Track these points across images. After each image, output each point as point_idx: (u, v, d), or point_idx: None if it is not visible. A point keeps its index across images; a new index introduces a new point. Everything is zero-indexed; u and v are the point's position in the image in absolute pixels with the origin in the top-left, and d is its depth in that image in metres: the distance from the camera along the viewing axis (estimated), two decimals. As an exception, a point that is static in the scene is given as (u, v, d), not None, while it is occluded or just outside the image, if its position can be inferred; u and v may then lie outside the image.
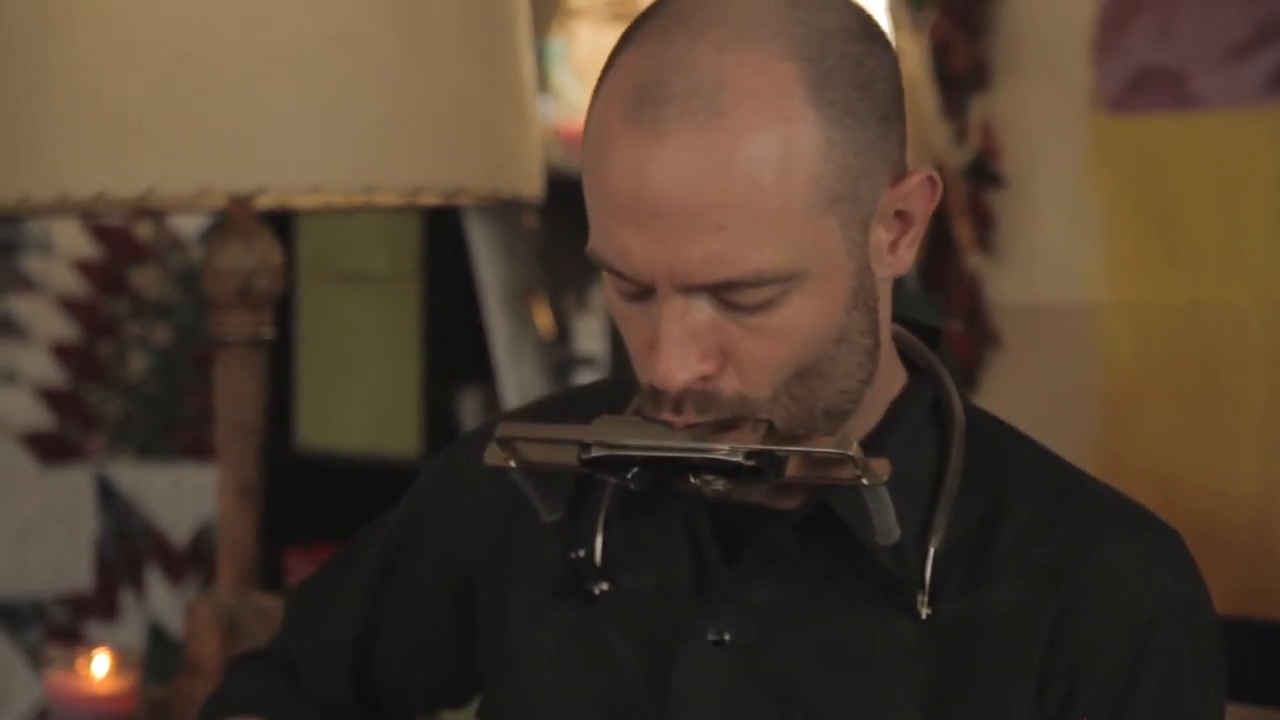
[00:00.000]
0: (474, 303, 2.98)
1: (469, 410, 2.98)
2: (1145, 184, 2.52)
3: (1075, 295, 2.59)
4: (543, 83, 2.80)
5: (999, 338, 2.65)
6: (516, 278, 2.97)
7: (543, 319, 2.96)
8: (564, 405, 1.52)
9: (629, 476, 1.30)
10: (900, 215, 1.32)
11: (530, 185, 2.13)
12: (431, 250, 3.01)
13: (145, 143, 1.95)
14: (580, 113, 3.08)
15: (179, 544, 3.35)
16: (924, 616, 1.32)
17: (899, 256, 1.33)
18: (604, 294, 1.34)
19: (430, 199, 2.15)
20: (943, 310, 2.66)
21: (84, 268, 3.26)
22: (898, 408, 1.37)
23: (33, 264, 3.22)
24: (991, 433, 1.40)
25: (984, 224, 2.66)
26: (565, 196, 2.65)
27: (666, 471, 1.30)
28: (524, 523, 1.44)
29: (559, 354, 2.95)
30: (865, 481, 1.26)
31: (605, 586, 1.40)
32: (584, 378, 2.89)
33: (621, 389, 1.43)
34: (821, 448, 1.28)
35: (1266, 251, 2.41)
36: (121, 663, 2.20)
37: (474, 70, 2.05)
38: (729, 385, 1.28)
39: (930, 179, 1.32)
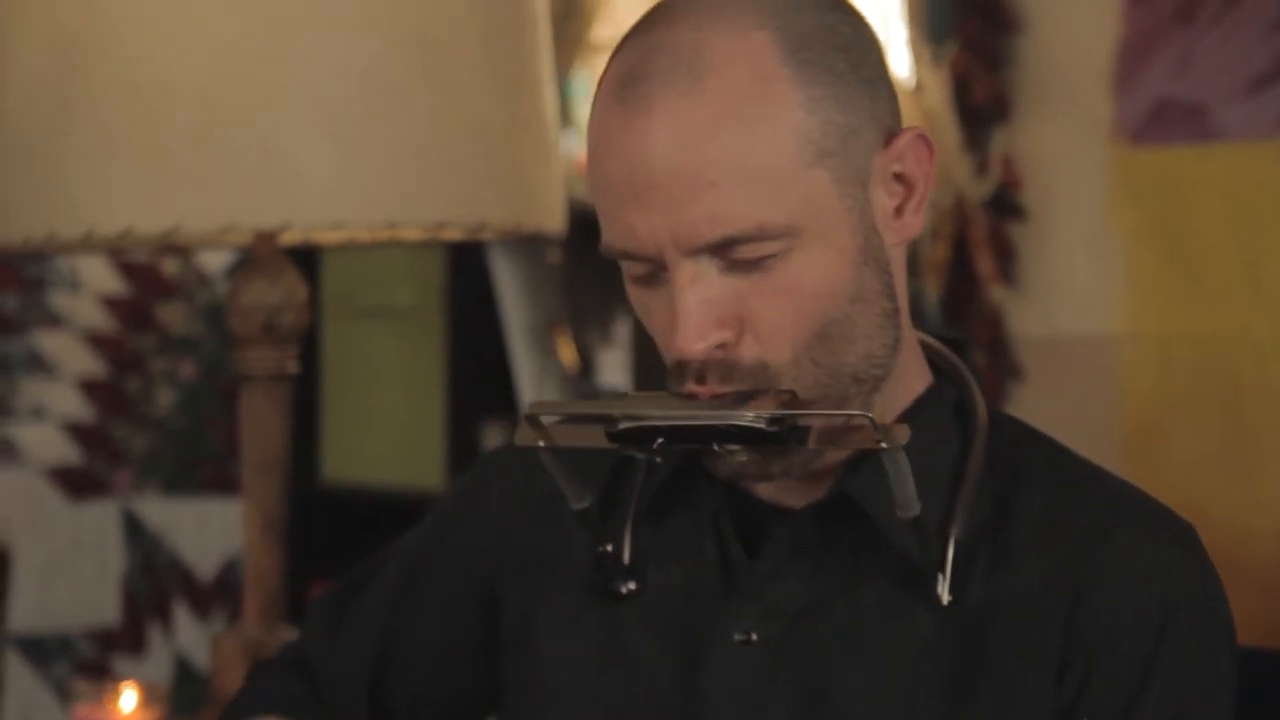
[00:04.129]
0: (498, 337, 2.99)
1: (493, 444, 2.99)
2: (1165, 216, 2.53)
3: (1096, 326, 2.60)
4: (565, 118, 2.81)
5: (1020, 369, 2.65)
6: (540, 312, 2.98)
7: (566, 352, 2.97)
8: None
9: (654, 446, 1.31)
10: (900, 179, 1.34)
11: (553, 220, 2.14)
12: (455, 285, 3.02)
13: (171, 179, 1.96)
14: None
15: (205, 578, 3.36)
16: (945, 603, 1.33)
17: (906, 222, 1.35)
18: (628, 295, 1.37)
19: (454, 234, 2.16)
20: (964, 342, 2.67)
21: (111, 304, 3.28)
22: (921, 404, 1.39)
23: (60, 300, 3.24)
24: (1013, 432, 1.42)
25: (1005, 256, 2.66)
26: (588, 231, 2.66)
27: (691, 442, 1.31)
28: (553, 536, 1.46)
29: (583, 387, 2.95)
30: (884, 445, 1.26)
31: (633, 586, 1.42)
32: (607, 411, 2.90)
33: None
34: (840, 411, 1.30)
35: (1287, 282, 2.42)
36: (148, 697, 2.20)
37: (497, 106, 2.06)
38: (749, 352, 1.30)
39: (921, 136, 1.35)
